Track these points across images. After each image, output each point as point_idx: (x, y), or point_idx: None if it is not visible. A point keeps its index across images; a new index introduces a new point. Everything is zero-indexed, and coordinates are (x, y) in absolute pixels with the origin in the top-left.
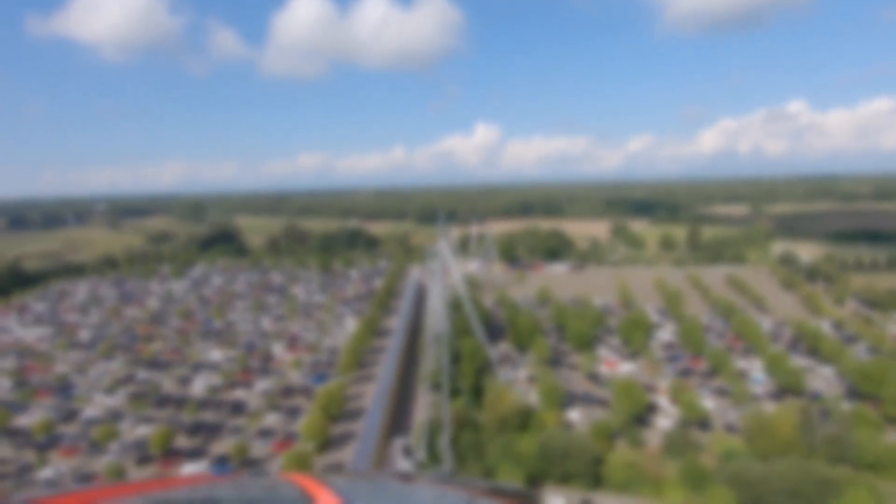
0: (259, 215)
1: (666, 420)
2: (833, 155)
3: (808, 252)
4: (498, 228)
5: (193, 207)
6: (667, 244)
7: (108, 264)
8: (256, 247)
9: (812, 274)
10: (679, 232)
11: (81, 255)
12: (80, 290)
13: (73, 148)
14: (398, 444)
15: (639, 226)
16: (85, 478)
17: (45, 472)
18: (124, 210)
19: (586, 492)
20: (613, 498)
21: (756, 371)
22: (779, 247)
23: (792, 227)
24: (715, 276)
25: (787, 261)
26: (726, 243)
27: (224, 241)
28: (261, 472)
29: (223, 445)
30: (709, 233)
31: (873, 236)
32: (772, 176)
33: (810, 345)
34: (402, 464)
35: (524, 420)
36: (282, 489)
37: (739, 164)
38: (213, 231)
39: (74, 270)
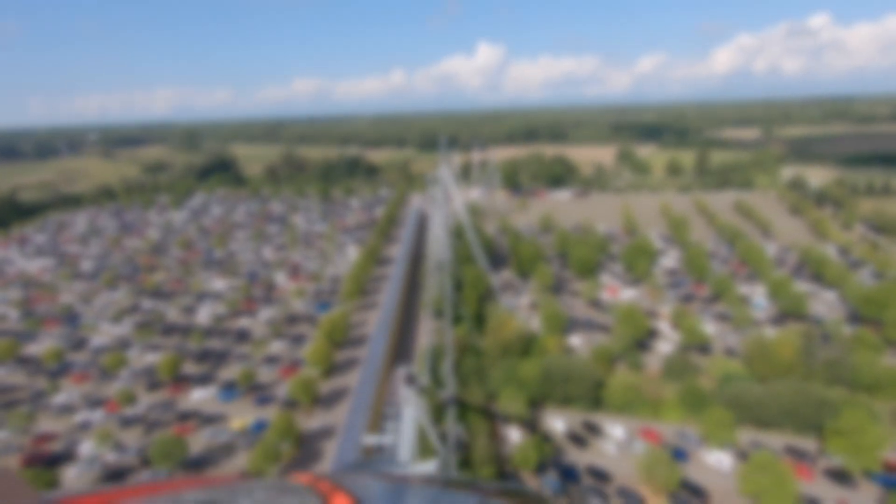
0: (255, 143)
1: (666, 345)
2: (853, 74)
3: (818, 176)
4: (501, 155)
5: (188, 136)
6: (674, 169)
7: (105, 195)
8: (254, 176)
9: (821, 199)
10: (687, 157)
11: (77, 186)
12: (79, 220)
13: (61, 74)
14: (400, 372)
15: (646, 151)
16: (96, 402)
17: (59, 398)
18: (117, 139)
19: (587, 413)
20: (613, 419)
21: (758, 296)
22: (789, 171)
23: (804, 151)
24: (722, 201)
25: (797, 185)
26: (735, 168)
27: (221, 170)
28: (277, 477)
29: (230, 371)
30: (718, 157)
31: (888, 159)
32: (787, 97)
33: (815, 270)
34: (405, 392)
35: (526, 345)
36: (298, 493)
37: (754, 86)
38: (209, 160)
39: (72, 201)
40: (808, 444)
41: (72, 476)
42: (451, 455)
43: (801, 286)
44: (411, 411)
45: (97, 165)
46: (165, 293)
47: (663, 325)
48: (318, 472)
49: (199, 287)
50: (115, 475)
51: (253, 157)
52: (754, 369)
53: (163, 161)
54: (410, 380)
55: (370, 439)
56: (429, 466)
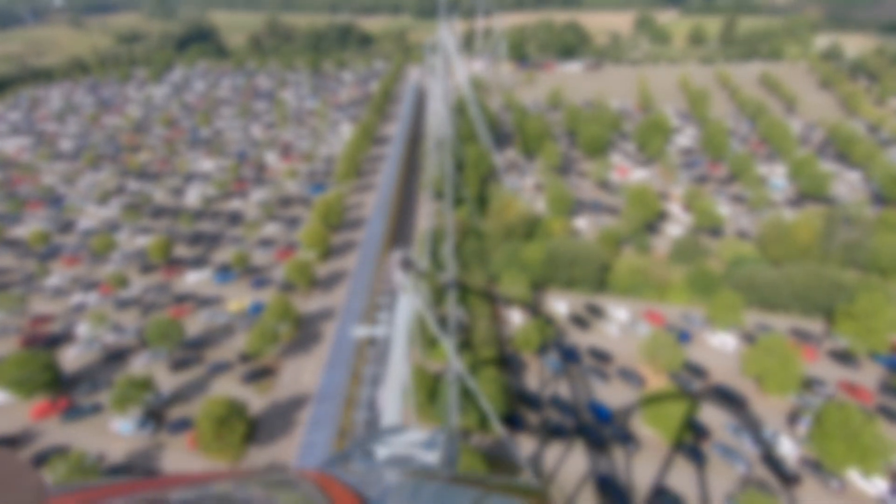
0: (236, 10)
1: (676, 227)
2: None
3: (856, 45)
4: (507, 22)
5: (162, 1)
6: (696, 38)
7: (78, 68)
8: (237, 46)
9: (856, 70)
10: (712, 25)
11: (47, 58)
12: (53, 96)
13: None
14: (395, 256)
15: (667, 18)
16: (90, 285)
17: (51, 281)
18: (85, 5)
19: (590, 296)
20: (617, 301)
21: (777, 177)
22: (823, 40)
23: (843, 17)
24: (747, 74)
25: (831, 55)
26: (764, 37)
27: (201, 40)
28: (276, 469)
29: (224, 255)
30: (746, 25)
31: None
32: None
33: (841, 148)
34: (399, 277)
35: (530, 228)
36: (299, 488)
37: None
38: (187, 29)
39: (42, 75)
40: (813, 326)
41: (72, 357)
42: (455, 399)
43: (825, 166)
44: (407, 300)
45: (66, 35)
46: (151, 174)
47: (674, 208)
48: (322, 467)
49: (186, 167)
50: (115, 356)
51: (234, 26)
52: (768, 252)
53: (137, 30)
54: (406, 264)
55: (362, 331)
56: (431, 434)
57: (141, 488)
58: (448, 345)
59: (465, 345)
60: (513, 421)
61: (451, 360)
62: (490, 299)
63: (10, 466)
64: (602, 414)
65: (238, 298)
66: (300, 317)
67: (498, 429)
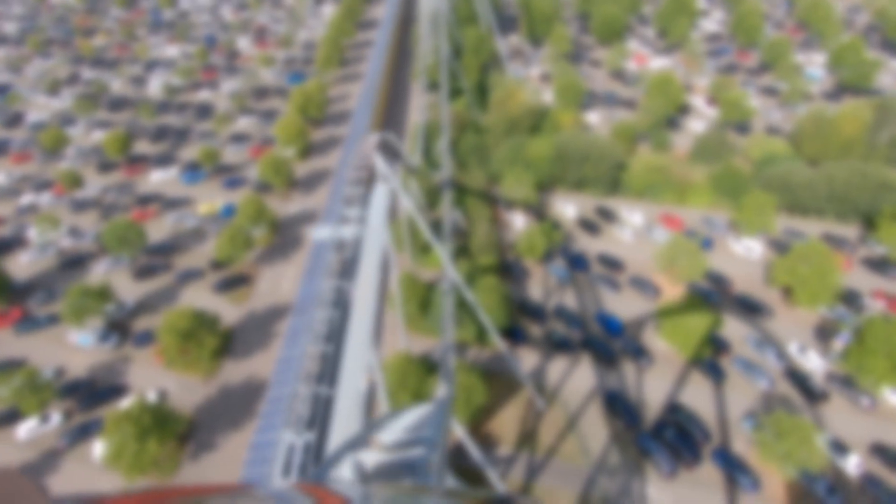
0: None
1: (699, 123)
2: None
3: None
4: None
5: None
6: None
7: None
8: None
9: None
10: None
11: None
12: None
13: None
14: (372, 139)
15: None
16: (42, 185)
17: None
18: None
19: (602, 198)
20: (631, 204)
21: (814, 66)
22: None
23: None
24: None
25: None
26: None
27: None
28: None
29: (192, 151)
30: None
31: None
32: None
33: (889, 34)
34: (381, 164)
35: (536, 121)
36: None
37: None
38: None
39: None
40: (846, 231)
41: (25, 262)
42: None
43: (870, 54)
44: (383, 191)
45: None
46: (108, 61)
47: (698, 101)
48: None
49: (147, 54)
50: (73, 262)
51: None
52: (804, 149)
53: None
54: (386, 148)
55: (324, 232)
56: (421, 413)
57: (133, 502)
58: (442, 251)
59: (462, 251)
60: (514, 334)
61: (445, 269)
62: (490, 201)
63: (15, 486)
64: (612, 326)
65: (208, 200)
66: (278, 220)
67: (497, 342)
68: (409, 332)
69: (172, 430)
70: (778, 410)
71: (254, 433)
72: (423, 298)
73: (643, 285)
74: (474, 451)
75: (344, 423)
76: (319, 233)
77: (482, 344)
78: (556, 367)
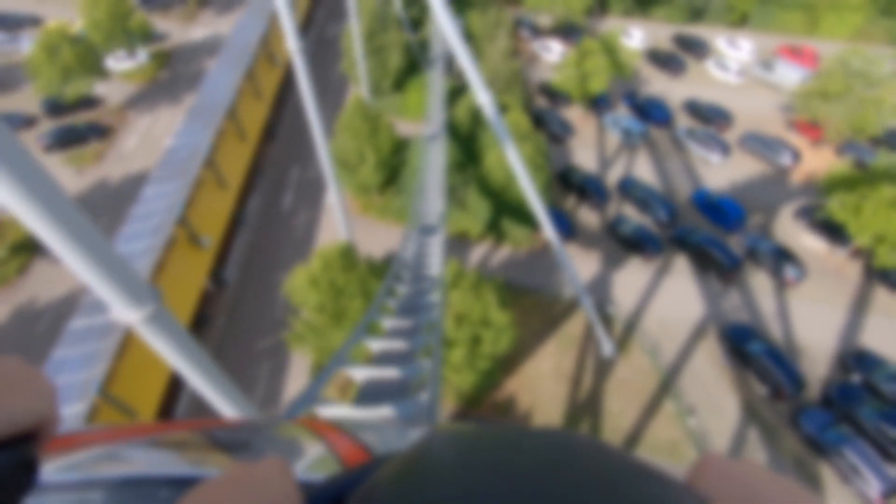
0: None
1: None
2: None
3: None
4: None
5: None
6: None
7: None
8: None
9: None
10: None
11: None
12: None
13: None
14: None
15: None
16: None
17: None
18: None
19: (683, 24)
20: (727, 32)
21: None
22: None
23: None
24: None
25: None
26: None
27: None
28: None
29: None
30: None
31: None
32: None
33: None
34: None
35: None
36: (295, 435)
37: None
38: None
39: None
40: None
41: None
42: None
43: None
44: None
45: None
46: None
47: None
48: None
49: None
50: None
51: None
52: None
53: None
54: None
55: None
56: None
57: (120, 434)
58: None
59: (460, 92)
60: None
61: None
62: (508, 26)
63: (18, 370)
64: (726, 212)
65: (61, 18)
66: (170, 50)
67: (547, 231)
68: (362, 211)
69: None
70: None
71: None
72: (389, 164)
73: (770, 147)
74: None
75: None
76: None
77: (498, 239)
78: (630, 281)
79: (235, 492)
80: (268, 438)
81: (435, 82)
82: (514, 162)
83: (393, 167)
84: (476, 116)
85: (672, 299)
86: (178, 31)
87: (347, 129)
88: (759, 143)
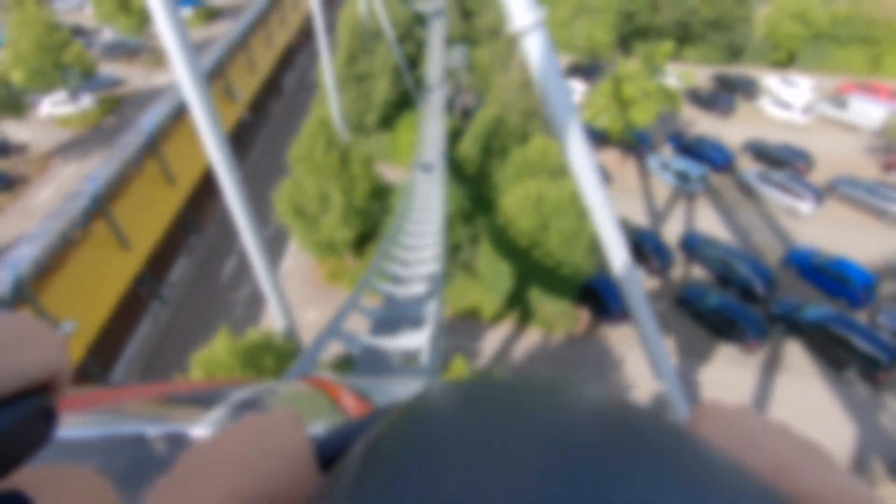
0: None
1: None
2: None
3: None
4: None
5: None
6: None
7: None
8: None
9: None
10: None
11: None
12: None
13: None
14: None
15: None
16: None
17: None
18: None
19: (721, 65)
20: (776, 72)
21: None
22: None
23: None
24: None
25: None
26: None
27: None
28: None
29: None
30: None
31: None
32: None
33: None
34: None
35: None
36: (301, 391)
37: None
38: None
39: None
40: None
41: None
42: None
43: None
44: None
45: None
46: None
47: None
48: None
49: None
50: None
51: None
52: None
53: None
54: None
55: None
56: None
57: (126, 394)
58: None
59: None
60: (594, 297)
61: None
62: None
63: (30, 325)
64: (849, 281)
65: None
66: (124, 95)
67: (635, 304)
68: (328, 280)
69: None
70: None
71: None
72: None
73: (877, 193)
74: None
75: None
76: None
77: (523, 319)
78: (723, 381)
79: (249, 440)
80: (276, 395)
81: (433, 107)
82: (580, 167)
83: (370, 217)
84: (488, 148)
85: (794, 411)
86: (140, 77)
87: (305, 160)
88: (861, 189)
